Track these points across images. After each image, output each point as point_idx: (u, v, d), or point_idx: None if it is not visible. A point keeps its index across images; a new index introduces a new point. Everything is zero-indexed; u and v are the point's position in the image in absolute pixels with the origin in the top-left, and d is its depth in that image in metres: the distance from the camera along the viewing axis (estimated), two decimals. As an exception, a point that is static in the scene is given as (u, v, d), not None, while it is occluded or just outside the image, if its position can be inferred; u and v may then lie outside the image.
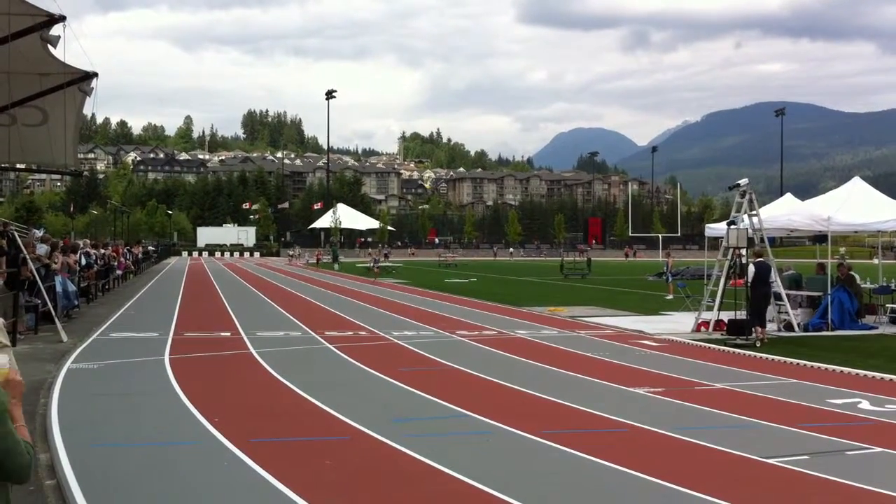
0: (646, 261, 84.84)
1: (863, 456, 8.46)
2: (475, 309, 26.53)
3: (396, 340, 17.97)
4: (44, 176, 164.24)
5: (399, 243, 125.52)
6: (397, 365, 14.30)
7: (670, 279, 34.21)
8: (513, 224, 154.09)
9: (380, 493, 7.00)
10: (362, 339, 18.12)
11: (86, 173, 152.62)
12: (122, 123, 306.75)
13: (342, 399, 11.04)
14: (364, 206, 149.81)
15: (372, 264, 49.75)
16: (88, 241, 36.32)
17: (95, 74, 15.38)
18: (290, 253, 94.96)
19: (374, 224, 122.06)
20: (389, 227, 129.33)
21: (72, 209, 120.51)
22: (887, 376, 13.42)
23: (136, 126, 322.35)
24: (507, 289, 38.55)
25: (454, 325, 21.13)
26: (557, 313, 24.88)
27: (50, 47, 12.65)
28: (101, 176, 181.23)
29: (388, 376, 13.06)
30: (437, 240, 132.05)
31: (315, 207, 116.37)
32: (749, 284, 18.29)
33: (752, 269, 18.26)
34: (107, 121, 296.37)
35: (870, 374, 13.70)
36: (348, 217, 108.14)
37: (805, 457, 8.26)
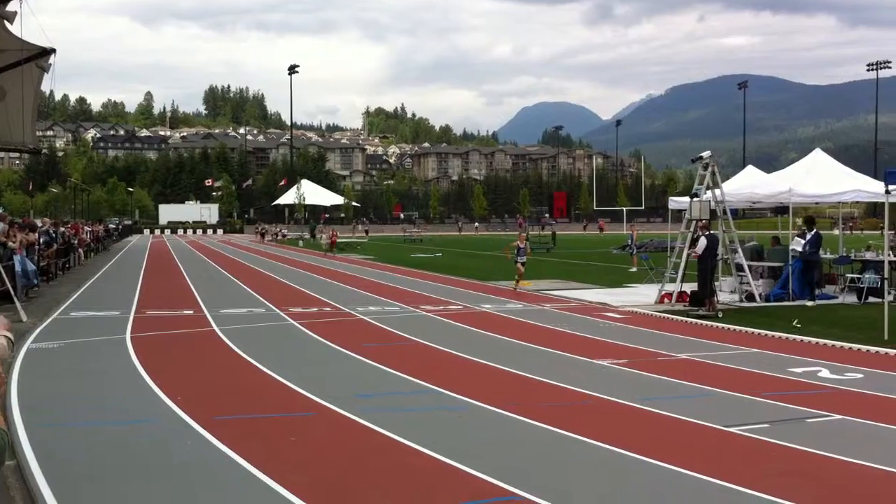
0: (618, 233, 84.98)
1: (822, 423, 8.59)
2: (441, 284, 26.54)
3: (361, 316, 17.93)
4: (2, 154, 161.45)
5: (365, 219, 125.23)
6: (362, 340, 14.27)
7: (635, 252, 34.39)
8: (478, 199, 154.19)
9: (345, 468, 6.99)
10: (327, 315, 18.05)
11: (45, 151, 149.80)
12: (82, 100, 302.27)
13: (307, 375, 11.00)
14: (328, 181, 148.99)
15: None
16: (48, 220, 35.78)
17: (53, 51, 15.10)
18: (259, 229, 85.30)
19: (338, 200, 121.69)
20: (354, 203, 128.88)
21: (31, 187, 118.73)
22: (846, 345, 13.63)
23: (96, 103, 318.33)
24: (472, 263, 38.58)
25: (419, 300, 21.12)
26: (523, 287, 24.94)
27: (6, 23, 12.36)
28: (60, 154, 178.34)
29: (353, 352, 13.03)
30: (401, 215, 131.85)
31: (280, 185, 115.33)
32: (700, 257, 18.38)
33: (703, 241, 18.38)
34: (65, 98, 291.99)
35: (829, 342, 13.90)
36: (312, 193, 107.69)
37: (766, 425, 8.37)
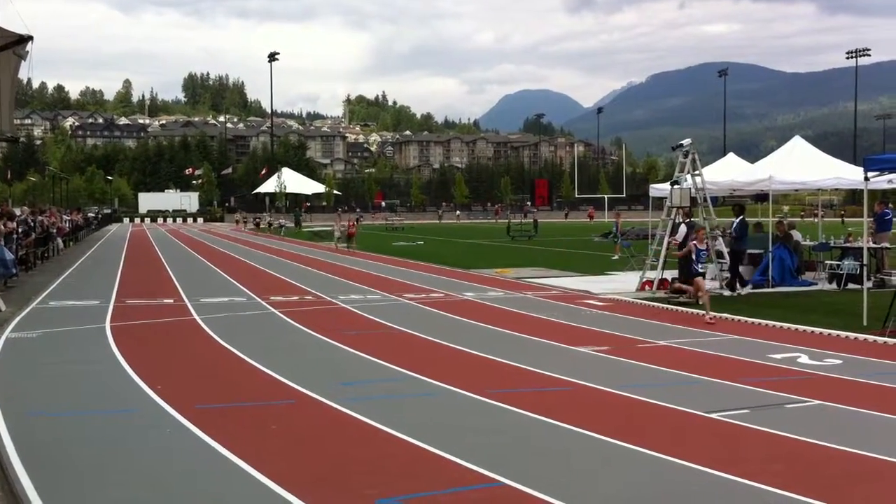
0: (605, 221, 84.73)
1: (801, 409, 8.64)
2: (423, 272, 26.52)
3: (343, 304, 17.89)
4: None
5: (346, 207, 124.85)
6: (343, 328, 14.25)
7: (619, 240, 34.41)
8: (460, 187, 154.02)
9: (326, 456, 6.97)
10: (308, 304, 18.01)
11: (22, 139, 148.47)
12: (59, 88, 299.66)
13: (287, 364, 10.97)
14: (309, 170, 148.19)
15: None
16: (26, 209, 35.44)
17: (31, 38, 14.98)
18: (254, 219, 79.77)
19: (319, 188, 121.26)
20: (335, 192, 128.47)
21: (9, 176, 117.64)
22: (826, 331, 13.72)
23: (74, 90, 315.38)
24: (454, 251, 38.57)
25: (401, 289, 21.11)
26: (504, 275, 24.97)
27: (-19, 11, 12.24)
28: (38, 142, 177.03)
29: (334, 340, 13.01)
30: (383, 203, 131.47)
31: (262, 174, 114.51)
32: (680, 244, 18.44)
33: (683, 228, 18.45)
34: (43, 85, 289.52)
35: (809, 328, 13.99)
36: (293, 181, 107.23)
37: (745, 410, 8.42)
